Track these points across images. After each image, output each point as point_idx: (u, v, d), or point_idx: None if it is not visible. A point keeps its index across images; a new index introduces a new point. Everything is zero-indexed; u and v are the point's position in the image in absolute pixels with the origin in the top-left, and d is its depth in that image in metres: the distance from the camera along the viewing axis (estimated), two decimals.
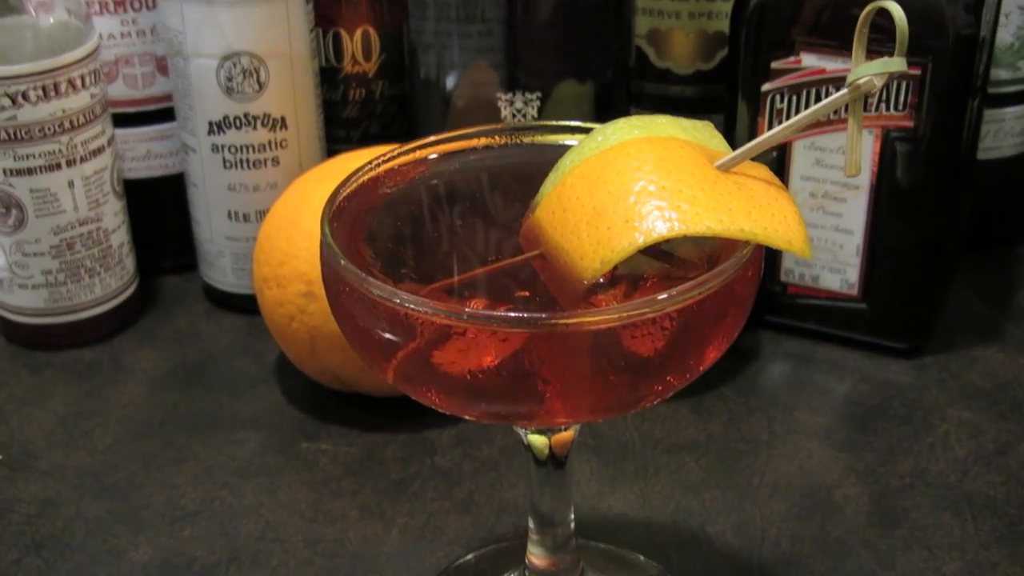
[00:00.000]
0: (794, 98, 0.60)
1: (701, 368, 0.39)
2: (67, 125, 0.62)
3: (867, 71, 0.37)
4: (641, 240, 0.36)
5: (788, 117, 0.60)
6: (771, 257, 0.65)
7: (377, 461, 0.58)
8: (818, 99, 0.60)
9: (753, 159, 0.39)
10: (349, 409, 0.61)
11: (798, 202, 0.40)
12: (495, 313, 0.35)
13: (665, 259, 0.40)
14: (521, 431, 0.44)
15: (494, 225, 0.45)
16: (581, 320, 0.35)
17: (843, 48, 0.58)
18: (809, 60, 0.60)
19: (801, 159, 0.62)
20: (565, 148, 0.40)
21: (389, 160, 0.44)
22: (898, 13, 0.36)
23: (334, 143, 0.71)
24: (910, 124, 0.59)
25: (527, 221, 0.40)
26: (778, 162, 0.62)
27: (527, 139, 0.46)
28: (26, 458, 0.58)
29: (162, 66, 0.68)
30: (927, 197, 0.61)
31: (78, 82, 0.61)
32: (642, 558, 0.52)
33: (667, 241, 0.39)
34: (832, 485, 0.56)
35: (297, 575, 0.51)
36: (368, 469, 0.57)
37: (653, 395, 0.38)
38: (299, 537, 0.53)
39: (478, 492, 0.56)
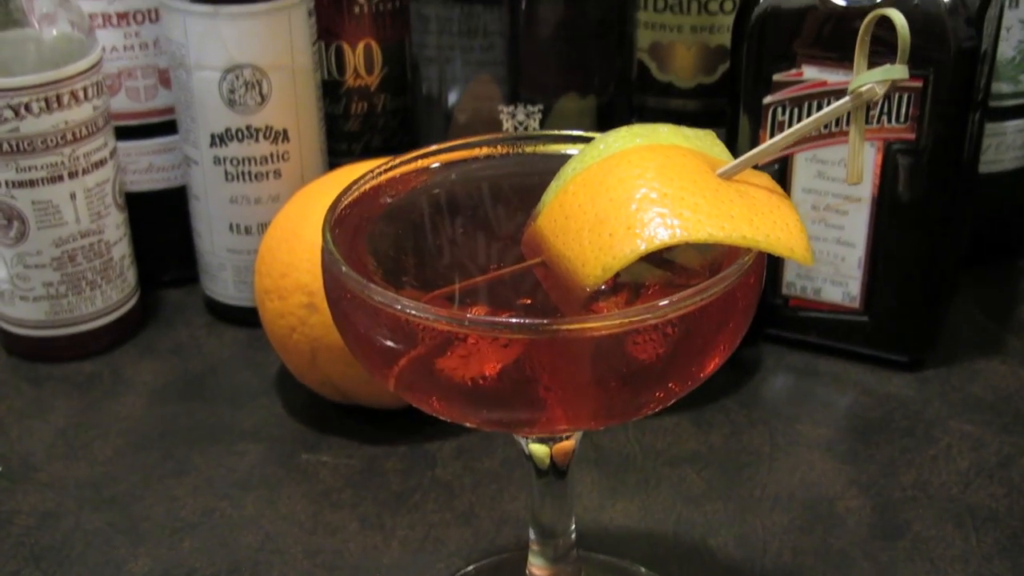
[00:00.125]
0: (796, 110, 0.60)
1: (703, 375, 0.38)
2: (69, 137, 0.62)
3: (869, 79, 0.37)
4: (643, 247, 0.35)
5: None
6: (773, 270, 0.65)
7: (377, 473, 0.57)
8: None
9: (754, 168, 0.39)
10: (349, 421, 0.61)
11: (800, 214, 0.40)
12: (497, 319, 0.35)
13: (667, 267, 0.40)
14: (522, 440, 0.44)
15: (496, 234, 0.45)
16: (583, 326, 0.35)
17: (844, 60, 0.58)
18: (811, 72, 0.60)
19: (803, 172, 0.62)
20: (567, 157, 0.40)
21: (391, 169, 0.44)
22: (900, 21, 0.36)
23: (336, 156, 0.71)
24: (912, 136, 0.59)
25: (529, 229, 0.40)
26: (780, 175, 0.62)
27: (529, 149, 0.46)
28: (26, 470, 0.58)
29: (164, 79, 0.68)
30: (929, 210, 0.61)
31: (81, 94, 0.62)
32: (643, 570, 0.52)
33: (669, 249, 0.39)
34: (834, 497, 0.56)
35: None
36: (368, 481, 0.57)
37: (655, 402, 0.38)
38: (299, 549, 0.53)
39: (479, 504, 0.56)
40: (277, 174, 0.66)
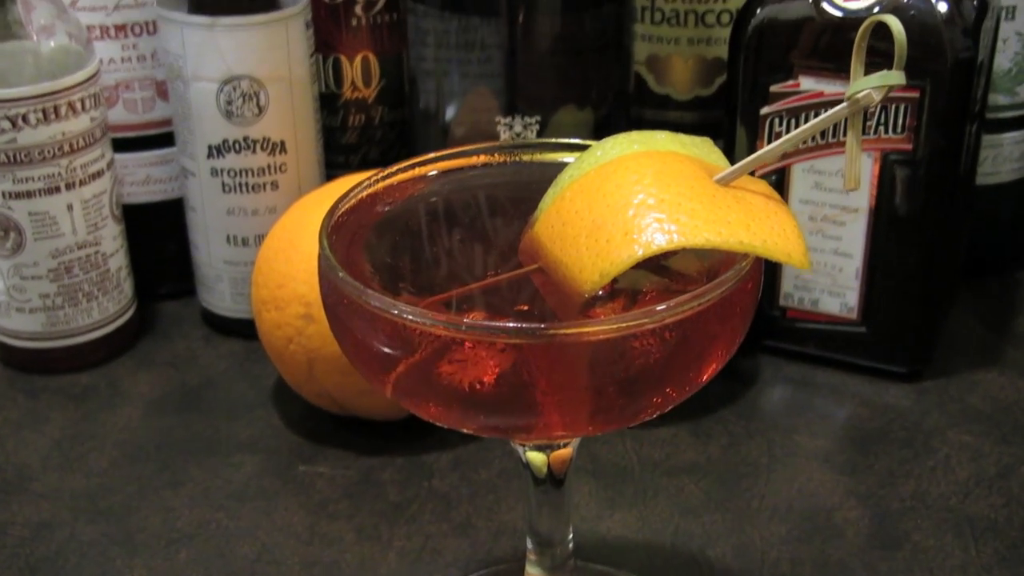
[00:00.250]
0: (793, 121, 0.60)
1: (701, 381, 0.38)
2: (67, 148, 0.62)
3: (866, 84, 0.37)
4: (640, 252, 0.35)
5: None
6: (770, 281, 0.65)
7: (374, 484, 0.57)
8: None
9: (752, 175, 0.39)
10: (346, 433, 0.60)
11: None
12: (494, 323, 0.35)
13: (664, 274, 0.40)
14: (520, 448, 0.43)
15: (493, 242, 0.45)
16: (580, 330, 0.35)
17: (841, 71, 0.58)
18: (807, 83, 0.60)
19: (800, 182, 0.62)
20: (563, 166, 0.40)
21: (389, 176, 0.44)
22: (896, 27, 0.36)
23: (333, 169, 0.71)
24: (909, 147, 0.59)
25: (526, 236, 0.40)
26: (777, 185, 0.62)
27: (526, 157, 0.46)
28: (21, 481, 0.58)
29: (162, 91, 0.68)
30: (926, 221, 0.61)
31: (78, 105, 0.62)
32: None
33: (667, 255, 0.39)
34: (832, 508, 0.55)
35: None
36: (365, 492, 0.57)
37: (652, 407, 0.38)
38: (295, 560, 0.53)
39: (476, 515, 0.55)
40: (274, 186, 0.66)
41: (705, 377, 0.38)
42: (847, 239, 0.62)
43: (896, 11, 0.54)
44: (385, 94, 0.71)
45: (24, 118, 0.60)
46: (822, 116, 0.38)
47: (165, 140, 0.69)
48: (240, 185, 0.65)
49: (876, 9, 0.57)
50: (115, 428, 0.62)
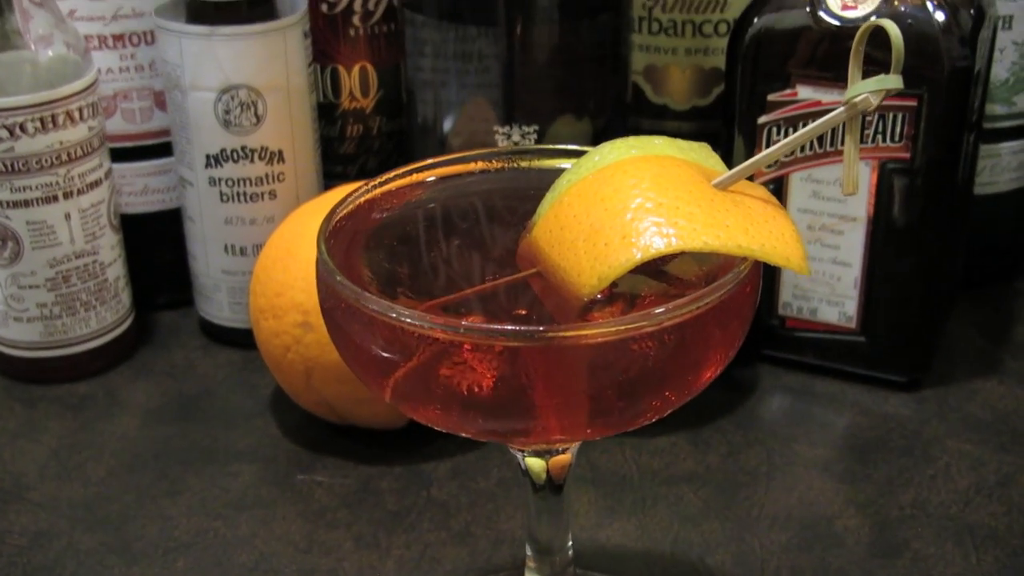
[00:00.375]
0: (790, 130, 0.60)
1: (699, 385, 0.38)
2: (64, 157, 0.62)
3: (863, 89, 0.37)
4: (638, 256, 0.35)
5: None
6: (768, 291, 0.65)
7: (373, 492, 0.57)
8: None
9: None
10: (344, 441, 0.60)
11: None
12: (492, 326, 0.35)
13: (663, 278, 0.40)
14: (519, 454, 0.43)
15: (491, 248, 0.45)
16: (578, 333, 0.35)
17: (839, 80, 0.58)
18: (805, 92, 0.60)
19: (798, 191, 0.62)
20: (561, 172, 0.40)
21: (387, 182, 0.44)
22: (894, 31, 0.36)
23: (331, 179, 0.71)
24: (907, 156, 0.59)
25: (524, 241, 0.40)
26: (775, 194, 0.62)
27: (523, 163, 0.46)
28: (19, 490, 0.58)
29: (160, 101, 0.68)
30: (925, 230, 0.61)
31: (76, 114, 0.62)
32: None
33: (665, 260, 0.39)
34: (832, 516, 0.55)
35: None
36: (363, 501, 0.57)
37: (651, 411, 0.38)
38: (293, 568, 0.53)
39: (475, 523, 0.55)
40: (272, 195, 0.66)
41: (704, 381, 0.38)
42: (845, 248, 0.62)
43: (893, 19, 0.54)
44: (383, 104, 0.71)
45: (22, 127, 0.60)
46: (820, 120, 0.38)
47: (163, 150, 0.69)
48: (238, 194, 0.65)
49: (873, 17, 0.57)
50: (113, 437, 0.62)
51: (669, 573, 0.52)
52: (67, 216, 0.63)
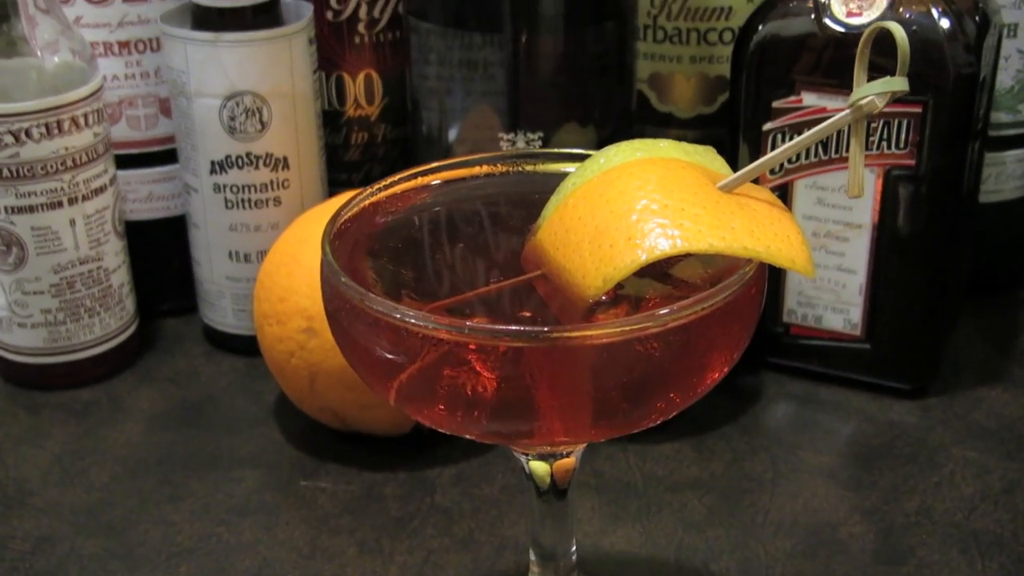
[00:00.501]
0: (795, 137, 0.60)
1: (704, 387, 0.38)
2: (69, 163, 0.62)
3: (869, 91, 0.37)
4: (644, 257, 0.35)
5: None
6: (773, 298, 0.64)
7: (376, 499, 0.57)
8: None
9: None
10: (348, 448, 0.60)
11: None
12: (496, 327, 0.35)
13: (668, 281, 0.40)
14: (523, 458, 0.43)
15: (496, 251, 0.45)
16: (583, 333, 0.34)
17: (844, 87, 0.58)
18: (810, 99, 0.60)
19: (803, 199, 0.62)
20: (565, 175, 0.40)
21: (392, 185, 0.44)
22: (899, 34, 0.36)
23: (336, 187, 0.71)
24: (912, 163, 0.59)
25: (529, 243, 0.40)
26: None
27: (528, 167, 0.46)
28: (22, 496, 0.58)
29: (165, 108, 0.68)
30: (929, 238, 0.61)
31: (81, 120, 0.62)
32: None
33: (670, 263, 0.39)
34: (837, 523, 0.55)
35: None
36: (367, 507, 0.56)
37: (655, 413, 0.37)
38: (296, 574, 0.53)
39: (478, 530, 0.55)
40: (277, 201, 0.66)
41: (709, 383, 0.38)
42: (850, 255, 0.62)
43: None
44: (388, 112, 0.72)
45: (27, 133, 0.60)
46: (826, 123, 0.38)
47: (168, 157, 0.69)
48: (243, 201, 0.65)
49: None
50: (116, 443, 0.62)
51: None
52: (72, 222, 0.63)
